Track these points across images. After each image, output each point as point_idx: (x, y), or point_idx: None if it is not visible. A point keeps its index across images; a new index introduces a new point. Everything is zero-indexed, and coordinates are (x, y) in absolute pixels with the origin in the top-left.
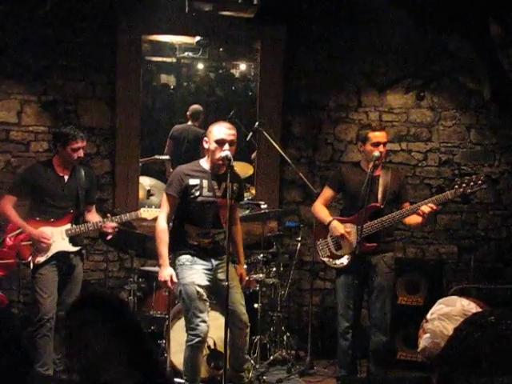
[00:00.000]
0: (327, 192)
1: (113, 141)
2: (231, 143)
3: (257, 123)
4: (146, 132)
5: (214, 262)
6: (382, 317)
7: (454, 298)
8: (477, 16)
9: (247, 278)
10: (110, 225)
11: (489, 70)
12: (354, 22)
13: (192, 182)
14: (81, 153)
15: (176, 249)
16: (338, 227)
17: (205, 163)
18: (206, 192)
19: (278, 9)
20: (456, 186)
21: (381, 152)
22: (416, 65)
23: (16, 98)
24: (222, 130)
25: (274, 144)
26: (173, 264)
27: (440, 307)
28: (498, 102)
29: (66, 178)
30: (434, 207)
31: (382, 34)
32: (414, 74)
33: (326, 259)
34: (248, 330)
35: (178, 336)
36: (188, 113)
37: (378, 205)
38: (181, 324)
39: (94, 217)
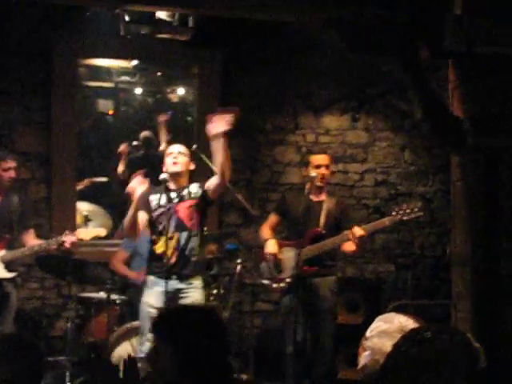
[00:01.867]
0: (272, 217)
1: (48, 166)
2: (180, 153)
3: (194, 146)
4: (84, 155)
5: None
6: (325, 340)
7: (392, 314)
8: (406, 39)
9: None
10: (69, 241)
11: (419, 91)
12: (289, 44)
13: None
14: (12, 173)
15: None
16: (270, 246)
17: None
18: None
19: (214, 33)
20: (393, 213)
21: (322, 174)
22: (351, 87)
23: None
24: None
25: (211, 166)
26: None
27: (379, 324)
28: (428, 122)
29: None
30: (364, 233)
31: (316, 57)
32: (349, 96)
33: (267, 281)
34: None
35: (119, 361)
36: (139, 142)
37: (319, 230)
38: (121, 349)
39: (32, 242)
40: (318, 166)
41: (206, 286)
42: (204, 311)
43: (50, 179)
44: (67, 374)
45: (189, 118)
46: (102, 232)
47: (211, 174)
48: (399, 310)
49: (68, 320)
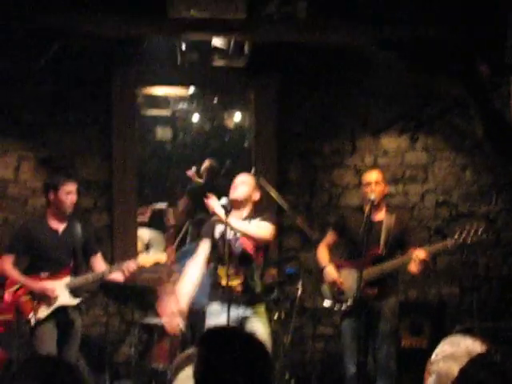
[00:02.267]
0: (330, 236)
1: (110, 194)
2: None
3: (252, 170)
4: (144, 182)
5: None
6: (387, 363)
7: (458, 337)
8: (465, 57)
9: None
10: (130, 268)
11: (480, 109)
12: (345, 67)
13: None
14: (73, 197)
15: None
16: (331, 273)
17: None
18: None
19: (270, 57)
20: (456, 236)
21: (372, 190)
22: (408, 107)
23: (13, 155)
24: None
25: (271, 191)
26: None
27: (444, 348)
28: (491, 140)
29: (61, 230)
30: (425, 257)
31: (373, 78)
32: (407, 117)
33: (328, 304)
34: None
35: None
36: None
37: (378, 251)
38: (184, 375)
39: (100, 266)
40: (368, 184)
41: (268, 311)
42: (250, 339)
43: (111, 207)
44: None
45: (246, 144)
46: (163, 258)
47: (269, 197)
48: (465, 332)
49: (131, 346)
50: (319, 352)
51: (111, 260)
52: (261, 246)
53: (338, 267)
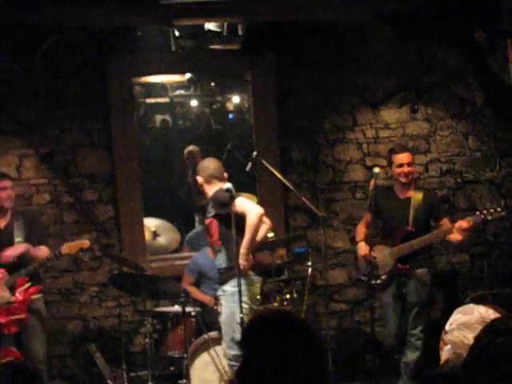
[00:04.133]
0: (366, 216)
1: (114, 185)
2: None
3: (254, 153)
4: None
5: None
6: (415, 334)
7: (471, 306)
8: (461, 24)
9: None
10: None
11: (478, 75)
12: (340, 41)
13: None
14: (8, 192)
15: None
16: (361, 248)
17: None
18: None
19: (265, 37)
20: (477, 213)
21: (405, 172)
22: (407, 78)
23: (14, 153)
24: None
25: (274, 171)
26: None
27: (458, 317)
28: (491, 106)
29: (4, 224)
30: (469, 226)
31: (369, 51)
32: (406, 88)
33: (365, 278)
34: None
35: (199, 373)
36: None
37: (408, 228)
38: (200, 361)
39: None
40: (400, 165)
41: (278, 292)
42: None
43: (116, 199)
44: None
45: (246, 125)
46: (86, 242)
47: (273, 177)
48: (478, 300)
49: (146, 335)
50: (333, 329)
51: (120, 250)
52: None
53: (373, 244)
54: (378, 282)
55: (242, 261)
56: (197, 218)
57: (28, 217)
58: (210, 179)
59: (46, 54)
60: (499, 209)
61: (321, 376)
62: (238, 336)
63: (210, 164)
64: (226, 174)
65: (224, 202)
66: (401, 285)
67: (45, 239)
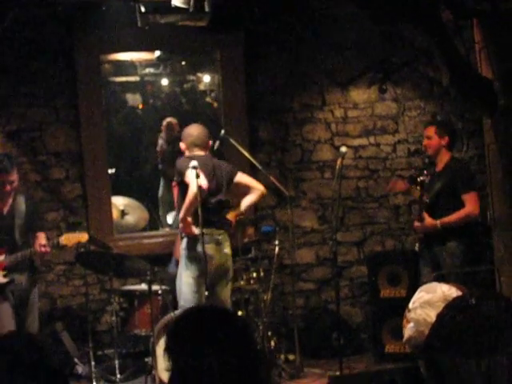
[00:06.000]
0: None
1: (81, 164)
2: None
3: (222, 131)
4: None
5: None
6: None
7: (434, 284)
8: (427, 3)
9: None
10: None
11: (444, 56)
12: (309, 20)
13: None
14: (14, 184)
15: None
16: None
17: None
18: None
19: (233, 15)
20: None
21: (425, 144)
22: (375, 58)
23: None
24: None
25: (242, 150)
26: None
27: (421, 295)
28: (457, 87)
29: (6, 210)
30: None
31: (338, 31)
32: (375, 68)
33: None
34: None
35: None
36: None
37: (425, 199)
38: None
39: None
40: (427, 137)
41: (245, 270)
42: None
43: (83, 177)
44: (116, 365)
45: (216, 104)
46: (85, 237)
47: (241, 156)
48: (441, 279)
49: (113, 314)
50: (301, 308)
51: (87, 229)
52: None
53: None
54: (416, 249)
55: (180, 224)
56: (161, 182)
57: (29, 204)
58: (191, 146)
59: (10, 29)
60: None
61: (256, 378)
62: (181, 302)
63: (193, 131)
64: (210, 142)
65: (180, 171)
66: (433, 256)
67: (42, 226)
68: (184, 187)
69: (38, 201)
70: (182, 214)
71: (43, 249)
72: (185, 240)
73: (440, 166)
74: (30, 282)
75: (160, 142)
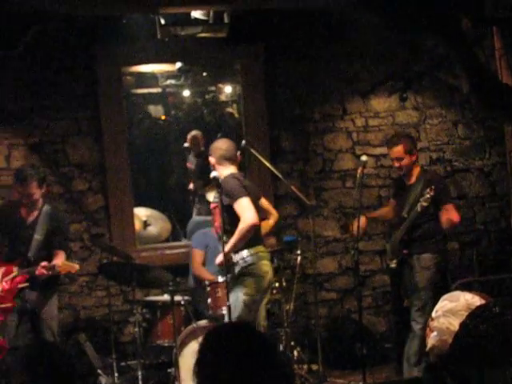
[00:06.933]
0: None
1: (103, 175)
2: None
3: (243, 141)
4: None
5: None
6: (414, 317)
7: (458, 293)
8: (447, 12)
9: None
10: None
11: (465, 64)
12: (328, 30)
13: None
14: (35, 196)
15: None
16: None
17: None
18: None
19: (253, 26)
20: (421, 200)
21: (398, 166)
22: (396, 66)
23: (3, 143)
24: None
25: (263, 160)
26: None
27: (444, 303)
28: (477, 94)
29: (31, 220)
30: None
31: (358, 40)
32: (395, 76)
33: (388, 262)
34: None
35: (188, 362)
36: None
37: (402, 214)
38: (189, 350)
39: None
40: (392, 160)
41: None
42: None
43: (105, 188)
44: (139, 377)
45: (237, 115)
46: (76, 267)
47: (262, 166)
48: (465, 287)
49: (135, 325)
50: (323, 317)
51: (110, 240)
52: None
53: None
54: (391, 266)
55: (220, 258)
56: (197, 206)
57: (54, 219)
58: (221, 160)
59: (32, 43)
60: (428, 195)
61: None
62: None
63: (221, 145)
64: (239, 157)
65: (231, 194)
66: (408, 269)
67: (65, 244)
68: (232, 211)
69: (64, 217)
70: (227, 250)
71: (42, 270)
72: (243, 257)
73: (412, 180)
74: (41, 299)
75: (190, 159)
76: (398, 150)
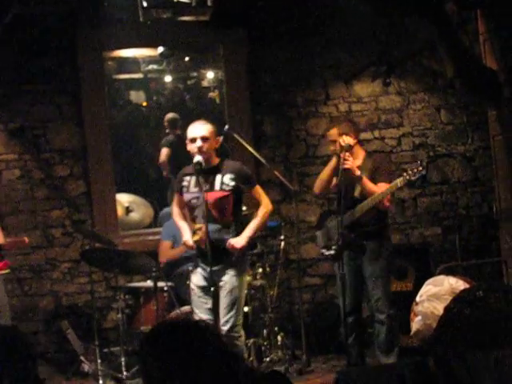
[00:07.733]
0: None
1: (85, 161)
2: (203, 139)
3: (226, 126)
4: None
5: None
6: (376, 305)
7: (442, 277)
8: None
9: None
10: None
11: (449, 48)
12: (311, 15)
13: (184, 180)
14: None
15: None
16: None
17: None
18: (192, 189)
19: (235, 10)
20: (404, 174)
21: (331, 149)
22: (378, 51)
23: None
24: (191, 128)
25: (246, 145)
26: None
27: (428, 288)
28: (461, 79)
29: None
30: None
31: (341, 25)
32: (378, 61)
33: (322, 250)
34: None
35: None
36: (165, 123)
37: (354, 195)
38: None
39: None
40: (332, 141)
41: (251, 266)
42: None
43: (87, 174)
44: (122, 363)
45: (220, 100)
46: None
47: (245, 152)
48: (448, 272)
49: (118, 311)
50: (307, 303)
51: (92, 226)
52: (228, 205)
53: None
54: (330, 252)
55: (244, 242)
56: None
57: None
58: None
59: (11, 27)
60: (420, 168)
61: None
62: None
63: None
64: (220, 140)
65: (251, 179)
66: (355, 255)
67: None
68: (242, 196)
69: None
70: (250, 234)
71: None
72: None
73: (356, 162)
74: None
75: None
76: (334, 131)
